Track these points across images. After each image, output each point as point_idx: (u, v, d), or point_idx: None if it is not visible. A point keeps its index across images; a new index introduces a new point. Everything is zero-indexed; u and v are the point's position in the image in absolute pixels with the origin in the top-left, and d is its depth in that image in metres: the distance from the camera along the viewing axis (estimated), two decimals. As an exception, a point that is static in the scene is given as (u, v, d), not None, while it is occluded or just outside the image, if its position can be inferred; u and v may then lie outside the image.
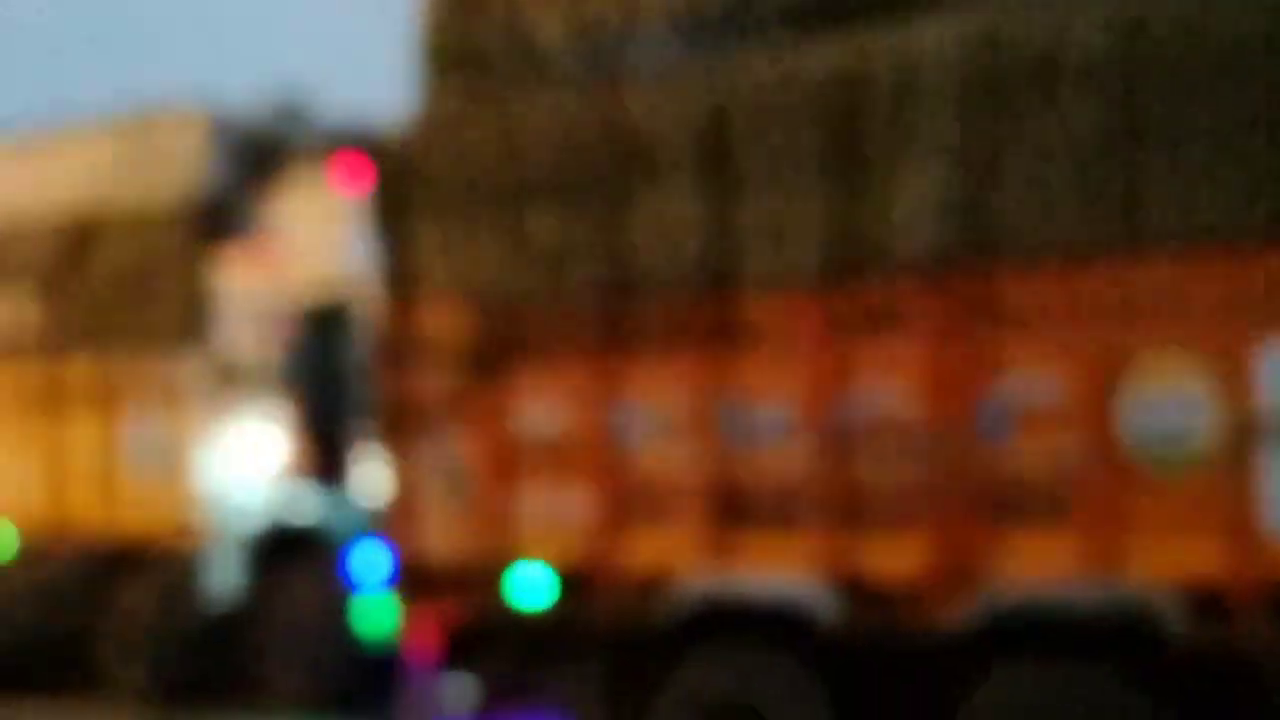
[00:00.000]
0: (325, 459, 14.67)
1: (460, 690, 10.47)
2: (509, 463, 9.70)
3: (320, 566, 14.52)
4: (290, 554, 14.73)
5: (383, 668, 14.71)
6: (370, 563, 14.13)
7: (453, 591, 9.95)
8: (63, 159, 16.38)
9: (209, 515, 15.05)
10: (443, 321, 10.04)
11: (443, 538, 9.98)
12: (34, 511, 16.51)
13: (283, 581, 14.73)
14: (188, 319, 15.27)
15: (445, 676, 10.57)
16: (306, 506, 14.60)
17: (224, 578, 14.96)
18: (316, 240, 14.93)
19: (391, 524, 10.31)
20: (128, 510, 15.77)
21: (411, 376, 10.16)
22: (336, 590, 14.34)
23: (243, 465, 14.80)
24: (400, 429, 10.17)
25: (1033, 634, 7.83)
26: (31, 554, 16.41)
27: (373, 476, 14.21)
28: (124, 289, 15.73)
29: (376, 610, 14.15)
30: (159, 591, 15.50)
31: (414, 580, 10.19)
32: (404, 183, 10.23)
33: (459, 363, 9.90)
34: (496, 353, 9.72)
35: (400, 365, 10.24)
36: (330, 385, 15.03)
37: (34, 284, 16.42)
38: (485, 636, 10.42)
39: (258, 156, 15.46)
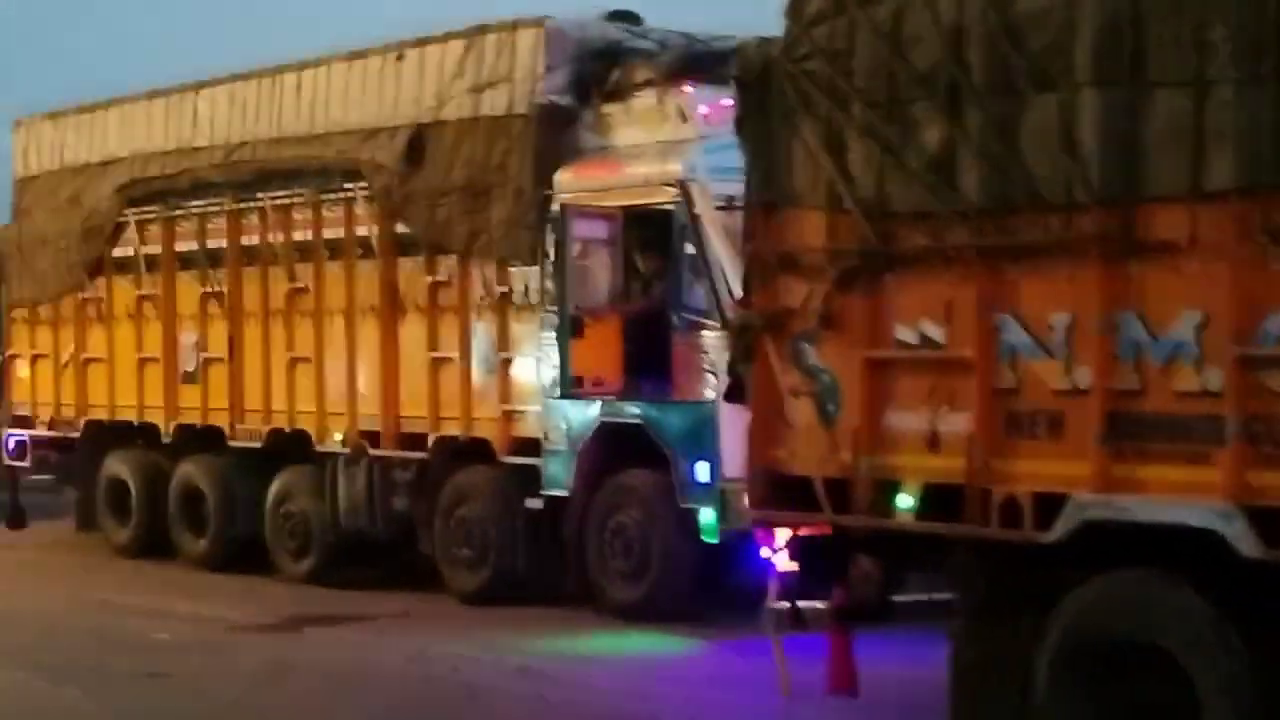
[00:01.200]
0: (652, 362, 14.40)
1: (819, 605, 10.21)
2: (882, 377, 9.34)
3: (650, 470, 14.29)
4: (620, 456, 14.54)
5: (714, 577, 14.63)
6: (704, 468, 13.91)
7: (815, 504, 9.63)
8: (403, 68, 16.27)
9: (541, 415, 14.92)
10: (811, 232, 9.68)
11: (807, 450, 9.65)
12: (367, 412, 16.57)
13: (612, 484, 14.53)
14: (523, 226, 15.10)
15: (804, 590, 10.32)
16: (635, 408, 14.37)
17: (554, 478, 14.83)
18: (649, 146, 14.64)
19: (751, 435, 9.99)
20: (460, 410, 15.73)
21: (777, 288, 9.83)
22: (668, 495, 14.10)
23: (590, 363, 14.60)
24: (764, 341, 9.84)
25: None
26: (361, 453, 16.48)
27: (700, 380, 14.00)
28: (461, 196, 15.61)
29: (709, 517, 13.95)
30: (492, 489, 15.45)
31: (774, 492, 9.88)
32: (769, 89, 9.85)
33: (829, 275, 9.54)
34: (872, 264, 9.34)
35: (765, 277, 9.90)
36: (656, 289, 14.79)
37: (372, 190, 16.39)
38: (848, 550, 10.16)
39: (593, 63, 15.21)
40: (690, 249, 14.08)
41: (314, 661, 13.25)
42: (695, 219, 14.00)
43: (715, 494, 13.79)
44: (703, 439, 13.89)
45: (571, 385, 14.62)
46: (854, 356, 9.42)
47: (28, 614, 15.54)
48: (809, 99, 9.60)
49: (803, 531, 9.97)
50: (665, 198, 14.30)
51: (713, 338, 13.85)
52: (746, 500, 10.13)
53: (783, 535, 10.00)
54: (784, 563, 10.01)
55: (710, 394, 13.82)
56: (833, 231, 9.53)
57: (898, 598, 12.15)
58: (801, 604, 10.24)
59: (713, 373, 13.81)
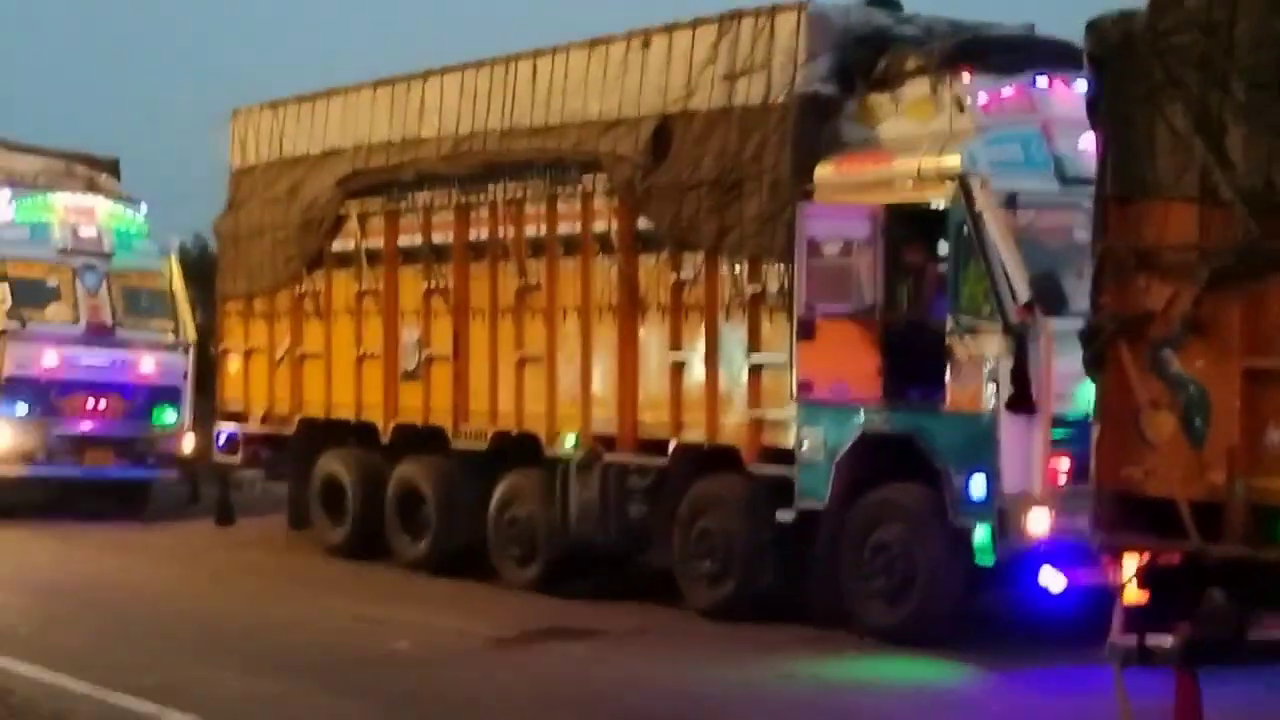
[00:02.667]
0: (917, 369, 13.19)
1: (1166, 641, 8.95)
2: (1263, 389, 8.07)
3: (915, 484, 13.08)
4: (881, 468, 13.33)
5: (985, 603, 13.40)
6: (979, 483, 12.67)
7: (1170, 529, 8.39)
8: (648, 56, 15.15)
9: (798, 421, 13.74)
10: (1178, 226, 8.42)
11: (1168, 470, 8.40)
12: (602, 415, 15.49)
13: (874, 498, 13.31)
14: (779, 221, 13.92)
15: (1149, 622, 9.07)
16: (902, 418, 13.14)
17: (809, 489, 13.64)
18: (921, 138, 13.42)
19: (1100, 451, 8.73)
20: (704, 415, 14.59)
21: (1134, 289, 8.59)
22: (936, 512, 12.88)
23: (836, 369, 13.43)
24: (1118, 347, 8.60)
25: None
26: (596, 458, 15.38)
27: (978, 389, 12.76)
28: (711, 189, 14.47)
29: (983, 537, 12.70)
30: (738, 500, 14.29)
31: (1121, 513, 8.64)
32: (1129, 67, 8.60)
33: (1200, 274, 8.28)
34: (1252, 263, 8.07)
35: (1120, 276, 8.66)
36: (925, 291, 13.59)
37: (612, 183, 15.30)
38: (1202, 581, 8.90)
39: (858, 50, 14.00)
40: (968, 249, 12.85)
41: (568, 678, 12.17)
42: (976, 217, 12.75)
43: (992, 511, 12.55)
44: (979, 452, 12.64)
45: (799, 390, 13.50)
46: (1229, 366, 8.14)
47: (257, 619, 14.58)
48: (1178, 77, 8.33)
49: (1150, 559, 8.72)
50: (941, 193, 13.08)
51: (994, 343, 12.62)
52: (1092, 523, 8.87)
53: (1131, 563, 8.75)
54: (1132, 593, 8.76)
55: (989, 404, 12.60)
56: (1205, 226, 8.26)
57: (1253, 635, 10.85)
58: (1149, 639, 8.97)
59: (993, 381, 12.59)
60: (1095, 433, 8.77)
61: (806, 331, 13.41)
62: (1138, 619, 8.87)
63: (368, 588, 16.29)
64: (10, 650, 12.51)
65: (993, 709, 11.11)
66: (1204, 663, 8.85)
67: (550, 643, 13.58)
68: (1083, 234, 13.06)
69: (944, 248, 13.54)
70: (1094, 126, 8.86)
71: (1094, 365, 8.73)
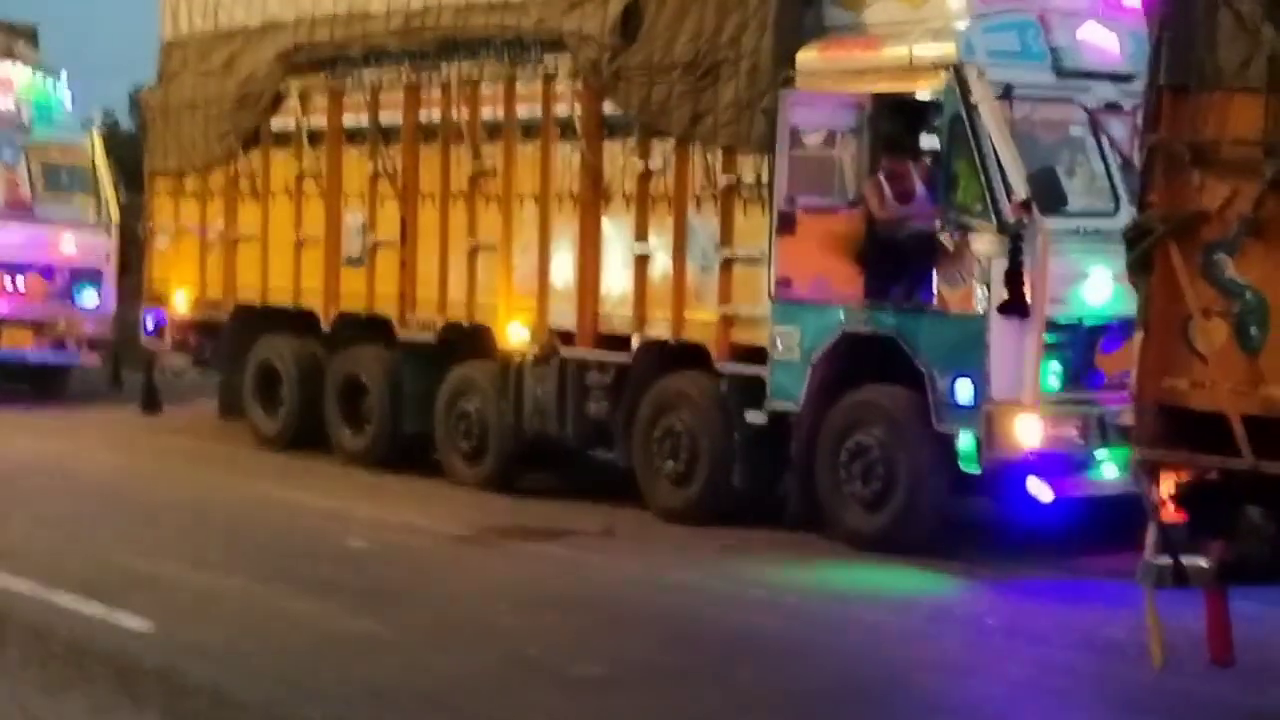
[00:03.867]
0: (898, 265, 12.61)
1: (1201, 561, 8.46)
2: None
3: (897, 387, 12.53)
4: (860, 370, 12.77)
5: (966, 510, 12.92)
6: (966, 388, 12.13)
7: (1216, 445, 7.89)
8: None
9: (772, 319, 13.13)
10: (1241, 119, 7.85)
11: (1220, 381, 7.88)
12: (559, 308, 14.82)
13: (852, 400, 12.74)
14: (757, 109, 13.25)
15: (1183, 537, 8.58)
16: (886, 318, 12.57)
17: (782, 389, 13.07)
18: (913, 25, 12.76)
19: (1144, 361, 8.17)
20: (670, 311, 13.95)
21: (1187, 187, 8.03)
22: (919, 415, 12.33)
23: (817, 266, 12.83)
24: (1167, 249, 8.05)
25: None
26: (552, 352, 14.74)
27: (968, 290, 12.18)
28: (684, 73, 13.76)
29: (968, 443, 12.18)
30: (705, 399, 13.69)
31: (1163, 428, 8.12)
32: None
33: (1263, 172, 7.73)
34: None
35: (1173, 173, 8.09)
36: (911, 186, 13.00)
37: (577, 65, 14.55)
38: (1239, 500, 8.41)
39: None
40: (962, 142, 12.23)
41: (536, 583, 11.57)
42: (970, 108, 12.11)
43: (978, 417, 12.03)
44: (967, 355, 12.09)
45: (777, 287, 12.89)
46: (1289, 272, 7.65)
47: (200, 510, 13.87)
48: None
49: (1193, 477, 8.22)
50: (933, 83, 12.45)
51: (986, 242, 12.05)
52: (1131, 437, 8.35)
53: (1169, 481, 8.24)
54: (1170, 512, 8.25)
55: (979, 306, 12.05)
56: (1273, 119, 7.72)
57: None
58: (1184, 559, 8.47)
59: (985, 282, 12.02)
60: (1138, 341, 8.23)
61: (786, 225, 12.78)
62: (1172, 538, 8.39)
63: (309, 480, 15.58)
64: (-62, 544, 11.78)
65: (987, 622, 10.61)
66: (1240, 583, 8.41)
67: (520, 542, 12.99)
68: (1079, 130, 12.74)
69: (931, 141, 12.99)
70: (1146, 11, 8.28)
71: (1139, 269, 8.18)
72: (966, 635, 10.30)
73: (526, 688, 8.87)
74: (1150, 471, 8.24)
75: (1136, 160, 12.20)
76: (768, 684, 9.03)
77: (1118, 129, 12.56)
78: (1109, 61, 12.64)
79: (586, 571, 11.95)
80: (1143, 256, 8.13)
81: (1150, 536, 8.30)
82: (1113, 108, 12.63)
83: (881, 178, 12.62)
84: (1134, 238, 8.18)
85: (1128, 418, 8.50)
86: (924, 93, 12.59)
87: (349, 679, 8.91)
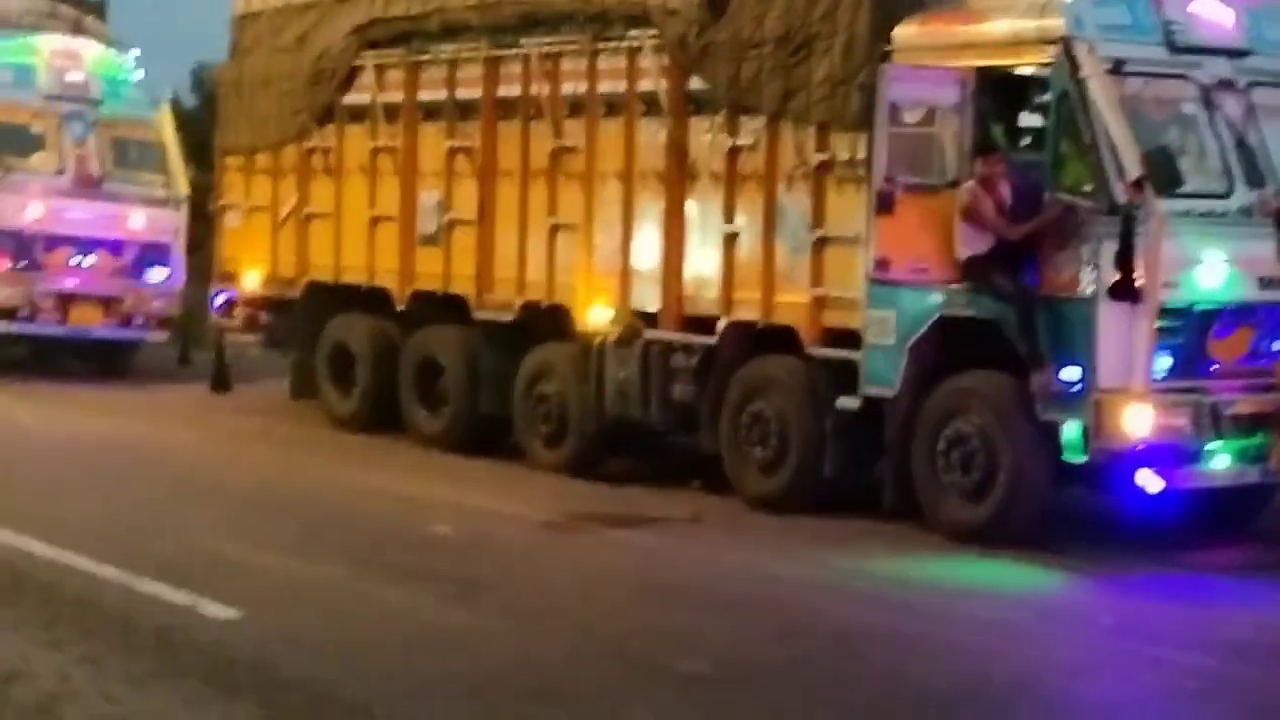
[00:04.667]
0: (1006, 249, 12.10)
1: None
2: None
3: (998, 373, 12.03)
4: (959, 355, 12.28)
5: (1076, 502, 12.44)
6: (1072, 375, 11.63)
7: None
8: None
9: (867, 302, 12.65)
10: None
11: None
12: (643, 289, 14.38)
13: (951, 386, 12.22)
14: (854, 85, 12.77)
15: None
16: (988, 301, 12.08)
17: (877, 374, 12.60)
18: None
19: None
20: (759, 292, 13.50)
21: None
22: (1022, 403, 11.84)
23: (916, 247, 12.33)
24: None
25: None
26: (635, 335, 14.29)
27: (1076, 272, 11.64)
28: (776, 49, 13.28)
29: (1074, 432, 11.69)
30: (795, 384, 13.24)
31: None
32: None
33: None
34: None
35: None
36: (1015, 164, 12.50)
37: (663, 39, 14.09)
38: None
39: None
40: (1070, 120, 11.73)
41: (630, 573, 11.12)
42: (1080, 84, 11.62)
43: (1086, 405, 11.53)
44: (1074, 341, 11.60)
45: (876, 268, 12.40)
46: None
47: (280, 493, 13.51)
48: None
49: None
50: (1040, 58, 11.94)
51: (1096, 224, 11.55)
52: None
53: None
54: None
55: (1088, 289, 11.55)
56: None
57: None
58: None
59: (1094, 265, 11.52)
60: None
61: (885, 205, 12.30)
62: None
63: (387, 463, 15.21)
64: (17, 524, 11.35)
65: (1103, 620, 10.13)
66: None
67: (608, 529, 12.55)
68: (1192, 108, 12.22)
69: (1031, 119, 12.51)
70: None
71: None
72: (1083, 634, 9.81)
73: (633, 685, 8.45)
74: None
75: (1251, 139, 11.96)
76: (886, 684, 8.59)
77: (1232, 107, 12.04)
78: (1223, 36, 12.11)
79: (680, 561, 11.53)
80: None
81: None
82: (1226, 85, 12.10)
83: (978, 188, 12.08)
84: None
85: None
86: (1029, 69, 12.10)
87: (448, 674, 8.50)
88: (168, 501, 12.85)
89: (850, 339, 12.87)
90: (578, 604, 10.10)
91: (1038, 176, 12.02)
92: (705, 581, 10.83)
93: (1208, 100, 12.04)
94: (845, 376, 12.88)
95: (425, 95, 16.35)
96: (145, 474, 14.13)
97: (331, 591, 10.15)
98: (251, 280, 18.12)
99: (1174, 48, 11.95)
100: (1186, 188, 11.49)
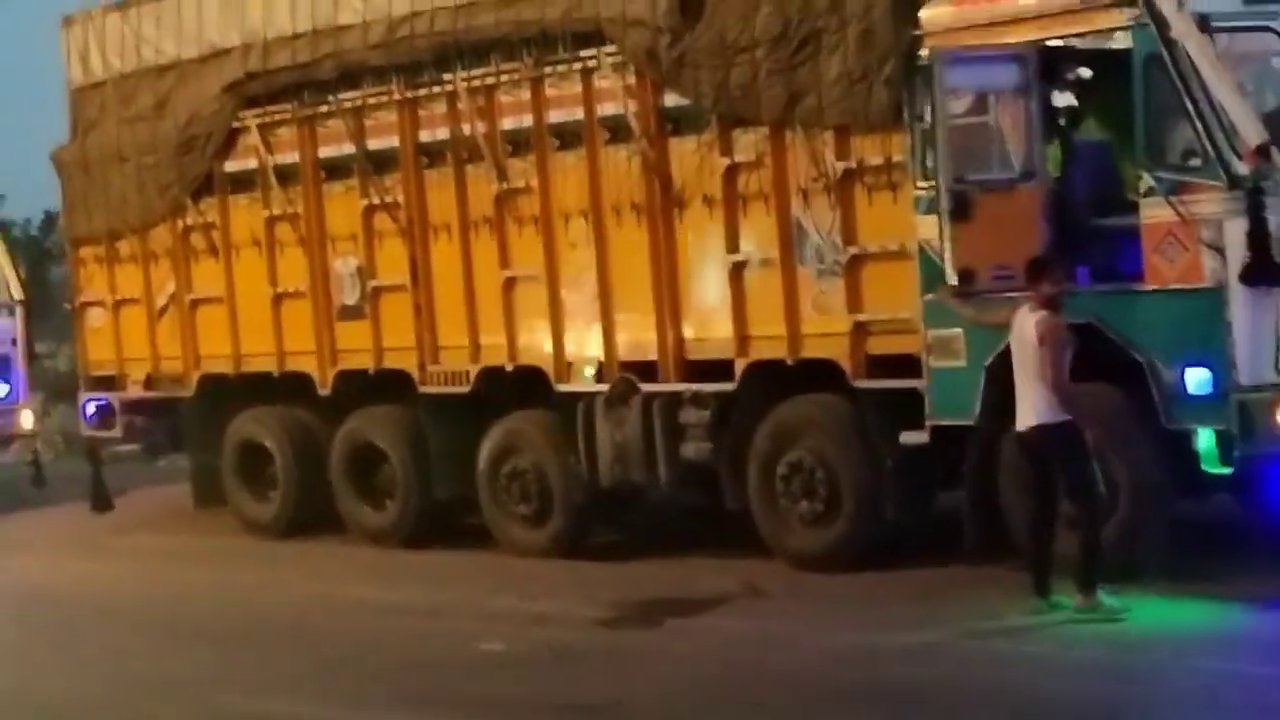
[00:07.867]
0: (1102, 242, 10.38)
1: None
2: None
3: (1099, 383, 10.24)
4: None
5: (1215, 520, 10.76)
6: (1200, 377, 9.96)
7: None
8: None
9: (925, 321, 10.86)
10: None
11: None
12: (631, 338, 12.40)
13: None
14: (877, 81, 10.98)
15: None
16: (1075, 303, 10.23)
17: (949, 402, 10.80)
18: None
19: None
20: (782, 326, 11.60)
21: None
22: (1139, 414, 10.11)
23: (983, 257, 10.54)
24: None
25: None
26: (630, 391, 12.28)
27: (1193, 260, 9.95)
28: (772, 49, 11.42)
29: (1208, 440, 10.00)
30: (841, 423, 11.36)
31: None
32: None
33: None
34: None
35: None
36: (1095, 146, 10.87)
37: (625, 55, 12.14)
38: None
39: None
40: (1163, 88, 10.08)
41: (740, 669, 9.16)
42: (1171, 45, 9.96)
43: (1223, 409, 9.82)
44: (1200, 338, 9.90)
45: (961, 281, 10.59)
46: None
47: (253, 622, 11.20)
48: None
49: None
50: (1115, 21, 10.26)
51: (1212, 201, 9.89)
52: None
53: None
54: None
55: (1211, 277, 9.88)
56: None
57: None
58: None
59: (1215, 248, 9.86)
60: None
61: (962, 210, 10.45)
62: None
63: (346, 569, 13.02)
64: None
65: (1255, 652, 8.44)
66: None
67: (676, 619, 10.49)
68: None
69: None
70: None
71: None
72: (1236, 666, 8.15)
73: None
74: None
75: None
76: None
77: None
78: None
79: (781, 647, 9.55)
80: None
81: None
82: (1308, 35, 10.61)
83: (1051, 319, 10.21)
84: None
85: None
86: (1104, 36, 10.41)
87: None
88: (141, 652, 10.50)
89: (904, 365, 11.07)
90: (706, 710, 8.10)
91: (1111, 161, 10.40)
92: (828, 670, 9.00)
93: (1295, 52, 10.54)
94: (899, 409, 11.05)
95: (327, 151, 14.13)
96: (90, 620, 11.66)
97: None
98: (128, 383, 15.67)
99: (1248, -1, 10.45)
100: (1303, 150, 9.94)
